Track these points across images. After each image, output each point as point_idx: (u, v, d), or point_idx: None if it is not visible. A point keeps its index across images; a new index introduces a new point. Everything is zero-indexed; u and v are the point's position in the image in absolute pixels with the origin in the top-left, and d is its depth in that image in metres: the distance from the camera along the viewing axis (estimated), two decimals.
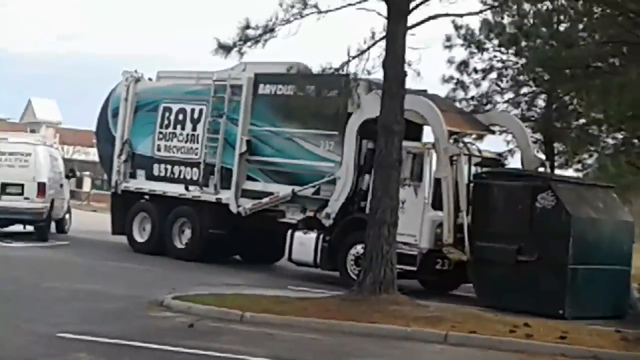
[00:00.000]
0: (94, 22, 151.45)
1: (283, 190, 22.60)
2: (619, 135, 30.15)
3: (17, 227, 26.47)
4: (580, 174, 31.77)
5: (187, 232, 24.45)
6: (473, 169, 20.82)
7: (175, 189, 24.75)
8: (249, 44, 18.34)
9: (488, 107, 27.81)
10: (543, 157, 24.75)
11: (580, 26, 25.00)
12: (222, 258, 24.40)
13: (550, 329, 15.48)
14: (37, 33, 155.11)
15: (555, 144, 29.28)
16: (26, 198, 25.07)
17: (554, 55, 23.81)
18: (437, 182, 20.42)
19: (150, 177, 25.49)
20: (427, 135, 21.34)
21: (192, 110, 24.69)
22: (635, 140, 30.64)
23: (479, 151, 21.52)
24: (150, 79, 26.45)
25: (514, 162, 23.42)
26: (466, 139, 22.37)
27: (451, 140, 20.89)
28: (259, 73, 23.32)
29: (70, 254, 24.15)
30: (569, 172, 31.37)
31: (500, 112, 25.36)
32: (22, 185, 25.14)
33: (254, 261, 24.93)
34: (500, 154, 22.80)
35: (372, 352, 13.27)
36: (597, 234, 19.43)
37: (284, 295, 17.68)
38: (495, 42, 28.03)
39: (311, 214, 22.10)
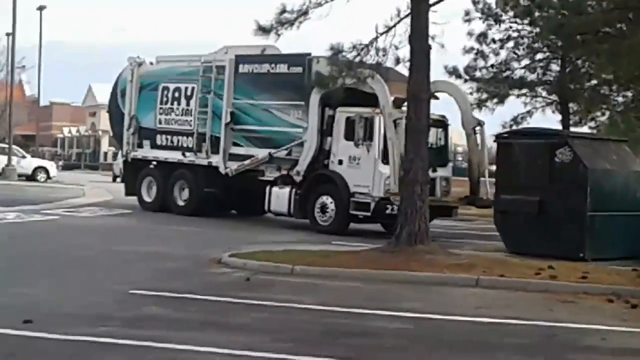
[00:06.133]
0: (135, 16, 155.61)
1: (262, 153, 24.04)
2: (629, 94, 30.12)
3: None
4: (594, 131, 31.79)
5: (186, 192, 26.09)
6: None
7: (174, 155, 26.32)
8: (285, 26, 18.32)
9: (506, 73, 27.79)
10: (481, 119, 24.13)
11: None
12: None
13: (573, 270, 15.38)
14: (93, 27, 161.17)
15: (570, 104, 29.28)
16: None
17: (565, 23, 23.72)
18: (386, 141, 21.34)
19: (154, 146, 27.03)
20: None
21: (186, 89, 26.16)
22: None
23: None
24: (151, 63, 27.73)
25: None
26: None
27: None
28: (238, 55, 24.85)
29: (130, 220, 24.47)
30: (584, 129, 31.39)
31: (443, 81, 24.83)
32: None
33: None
34: (443, 116, 23.04)
35: (411, 297, 13.19)
36: (612, 183, 19.39)
37: (328, 250, 17.73)
38: (511, 13, 27.99)
39: (285, 172, 23.54)
